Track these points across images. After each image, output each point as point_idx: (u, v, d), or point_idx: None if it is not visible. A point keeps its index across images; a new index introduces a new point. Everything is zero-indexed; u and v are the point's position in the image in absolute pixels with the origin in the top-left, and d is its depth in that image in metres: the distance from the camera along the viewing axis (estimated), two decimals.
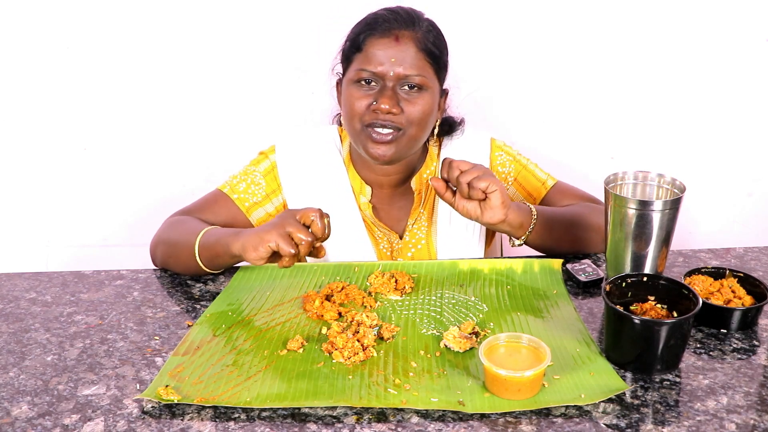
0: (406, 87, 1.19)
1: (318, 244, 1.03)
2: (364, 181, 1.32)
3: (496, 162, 1.35)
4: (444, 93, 1.29)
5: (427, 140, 1.35)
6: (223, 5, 1.67)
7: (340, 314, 1.05)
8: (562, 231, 1.23)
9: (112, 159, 1.78)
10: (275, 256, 1.04)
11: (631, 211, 1.05)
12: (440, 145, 1.36)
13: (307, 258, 1.32)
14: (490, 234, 1.43)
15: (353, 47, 1.22)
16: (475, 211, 1.14)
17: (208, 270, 1.16)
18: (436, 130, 1.31)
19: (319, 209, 1.03)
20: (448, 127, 1.35)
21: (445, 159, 1.15)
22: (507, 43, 1.74)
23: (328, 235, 1.04)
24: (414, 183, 1.33)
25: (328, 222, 1.03)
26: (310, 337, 1.00)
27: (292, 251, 1.00)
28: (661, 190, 1.13)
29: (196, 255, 1.14)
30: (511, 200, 1.16)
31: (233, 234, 1.09)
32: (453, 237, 1.32)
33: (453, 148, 1.35)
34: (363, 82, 1.20)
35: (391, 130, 1.19)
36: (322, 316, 1.04)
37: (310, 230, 1.02)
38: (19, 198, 1.80)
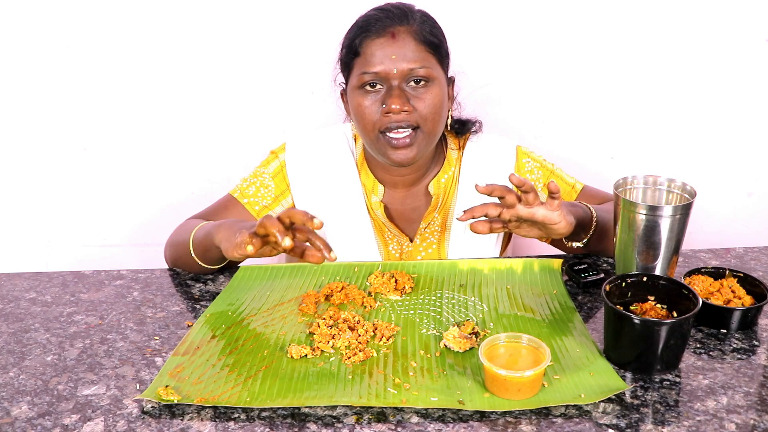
0: (413, 83, 1.17)
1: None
2: (377, 180, 1.31)
3: (524, 170, 1.32)
4: (450, 81, 1.27)
5: (445, 143, 1.34)
6: (222, 6, 1.67)
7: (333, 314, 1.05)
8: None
9: (113, 159, 1.79)
10: (256, 253, 1.00)
11: (641, 216, 1.04)
12: (460, 148, 1.34)
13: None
14: (505, 243, 1.41)
15: (351, 53, 1.20)
16: (539, 235, 1.12)
17: (207, 266, 1.16)
18: (449, 120, 1.28)
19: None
20: (460, 125, 1.32)
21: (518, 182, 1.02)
22: (507, 42, 1.74)
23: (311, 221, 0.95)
24: (432, 187, 1.31)
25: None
26: (310, 339, 1.00)
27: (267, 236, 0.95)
28: (672, 195, 1.12)
29: (191, 252, 1.15)
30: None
31: (217, 226, 1.09)
32: (466, 244, 1.29)
33: (476, 154, 1.32)
34: (368, 86, 1.18)
35: (408, 131, 1.17)
36: (320, 316, 1.04)
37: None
38: (19, 198, 1.80)
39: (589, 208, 1.18)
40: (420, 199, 1.32)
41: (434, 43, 1.19)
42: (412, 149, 1.19)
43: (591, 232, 1.17)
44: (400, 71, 1.15)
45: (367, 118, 1.18)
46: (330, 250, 0.95)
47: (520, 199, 1.04)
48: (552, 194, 1.05)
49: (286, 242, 0.93)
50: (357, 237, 1.29)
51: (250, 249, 0.96)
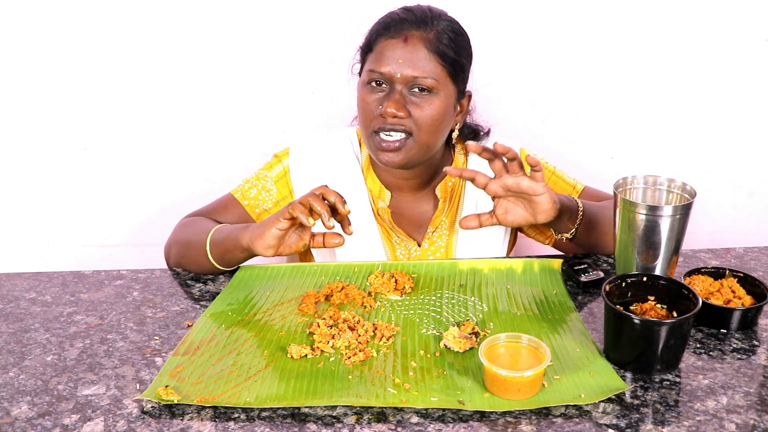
0: (416, 89, 1.16)
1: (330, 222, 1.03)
2: (384, 186, 1.30)
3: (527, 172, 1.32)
4: (465, 96, 1.26)
5: (453, 146, 1.33)
6: (222, 6, 1.67)
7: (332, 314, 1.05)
8: (606, 227, 1.20)
9: (113, 159, 1.78)
10: (284, 245, 1.07)
11: (641, 216, 1.04)
12: (467, 153, 1.33)
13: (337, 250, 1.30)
14: (511, 246, 1.40)
15: (366, 47, 1.21)
16: (526, 218, 1.11)
17: (221, 267, 1.16)
18: (455, 134, 1.28)
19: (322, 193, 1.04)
20: (473, 134, 1.31)
21: (484, 150, 1.07)
22: (507, 42, 1.74)
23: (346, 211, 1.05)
24: (439, 191, 1.31)
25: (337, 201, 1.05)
26: (310, 339, 1.00)
27: (300, 215, 1.01)
28: (672, 195, 1.12)
29: (208, 252, 1.15)
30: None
31: (243, 227, 1.11)
32: (475, 248, 1.29)
33: (480, 157, 1.32)
34: (374, 84, 1.18)
35: (399, 136, 1.17)
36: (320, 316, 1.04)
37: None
38: (19, 198, 1.80)
39: (575, 199, 1.19)
40: (427, 204, 1.32)
41: (448, 55, 1.17)
42: (399, 154, 1.19)
43: (578, 222, 1.18)
44: (403, 76, 1.16)
45: (366, 114, 1.19)
46: (349, 223, 1.06)
47: (507, 170, 1.08)
48: (534, 168, 1.06)
49: (310, 221, 1.01)
50: (364, 243, 1.28)
51: (282, 224, 1.04)
